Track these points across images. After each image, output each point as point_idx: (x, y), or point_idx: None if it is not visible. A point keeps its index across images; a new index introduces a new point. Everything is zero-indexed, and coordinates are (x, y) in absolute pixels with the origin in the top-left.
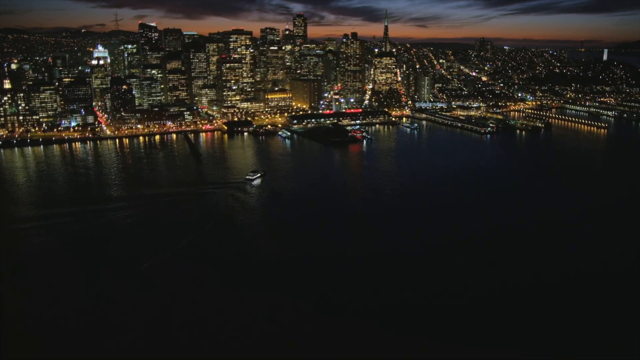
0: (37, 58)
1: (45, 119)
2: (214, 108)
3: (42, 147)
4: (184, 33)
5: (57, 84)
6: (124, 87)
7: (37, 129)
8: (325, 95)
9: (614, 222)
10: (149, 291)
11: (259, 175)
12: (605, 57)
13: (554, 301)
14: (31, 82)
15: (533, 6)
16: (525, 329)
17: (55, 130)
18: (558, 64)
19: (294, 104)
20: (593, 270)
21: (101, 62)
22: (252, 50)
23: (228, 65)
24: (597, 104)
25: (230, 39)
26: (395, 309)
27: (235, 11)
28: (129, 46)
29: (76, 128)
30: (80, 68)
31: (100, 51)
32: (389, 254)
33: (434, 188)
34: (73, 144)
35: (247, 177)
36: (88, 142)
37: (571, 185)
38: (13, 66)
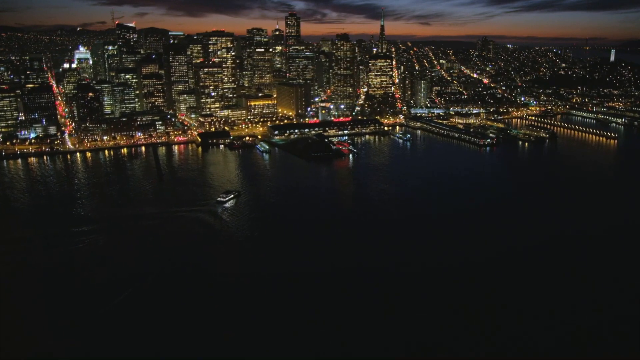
0: (27, 57)
1: (5, 129)
2: (192, 116)
3: None
4: (170, 33)
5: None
6: (90, 94)
7: None
8: (316, 99)
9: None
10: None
11: (232, 196)
12: (612, 58)
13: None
14: (5, 86)
15: (537, 3)
16: None
17: (8, 143)
18: (563, 65)
19: (279, 110)
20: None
21: (73, 65)
22: (233, 53)
23: (206, 70)
24: (605, 110)
25: (210, 42)
26: None
27: (236, 9)
28: (110, 47)
29: (33, 141)
30: (60, 70)
31: (81, 52)
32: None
33: (424, 213)
34: (28, 159)
35: (219, 198)
36: (45, 157)
37: (578, 211)
38: None
